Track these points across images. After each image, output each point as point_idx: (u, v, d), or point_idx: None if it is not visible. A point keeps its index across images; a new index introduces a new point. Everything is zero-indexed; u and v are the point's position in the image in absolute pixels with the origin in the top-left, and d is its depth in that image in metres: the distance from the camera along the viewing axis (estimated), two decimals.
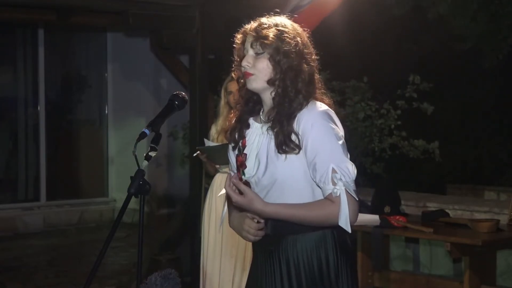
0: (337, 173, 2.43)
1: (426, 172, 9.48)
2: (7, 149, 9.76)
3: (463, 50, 8.32)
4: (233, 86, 4.97)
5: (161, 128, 2.64)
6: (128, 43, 9.53)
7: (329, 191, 2.45)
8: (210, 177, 5.21)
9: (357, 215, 2.48)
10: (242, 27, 2.66)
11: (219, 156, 4.86)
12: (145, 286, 2.28)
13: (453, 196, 7.75)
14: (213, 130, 5.08)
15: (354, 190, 2.46)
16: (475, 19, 8.08)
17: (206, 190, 5.30)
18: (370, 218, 5.06)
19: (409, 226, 4.99)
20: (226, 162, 4.87)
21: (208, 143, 4.98)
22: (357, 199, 2.48)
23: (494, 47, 8.02)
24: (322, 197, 2.51)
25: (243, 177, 2.62)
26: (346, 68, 7.71)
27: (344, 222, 2.44)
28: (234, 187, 2.51)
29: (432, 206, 6.02)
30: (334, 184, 2.43)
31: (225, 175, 4.93)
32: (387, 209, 5.35)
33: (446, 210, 5.49)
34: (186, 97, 2.76)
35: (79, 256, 7.69)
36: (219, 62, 7.18)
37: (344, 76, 7.72)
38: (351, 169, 2.47)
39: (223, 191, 2.85)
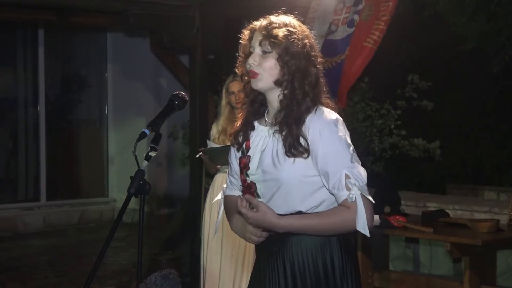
0: (350, 178, 2.42)
1: (426, 172, 9.46)
2: (7, 149, 9.76)
3: (463, 50, 8.30)
4: (235, 86, 4.97)
5: (161, 128, 2.64)
6: (128, 43, 9.54)
7: (344, 197, 2.42)
8: (211, 177, 5.22)
9: (373, 218, 2.47)
10: (244, 26, 2.64)
11: (221, 157, 4.86)
12: (145, 286, 2.28)
13: (453, 196, 7.74)
14: (214, 130, 5.08)
15: (368, 194, 2.45)
16: (473, 19, 8.07)
17: (206, 190, 5.30)
18: None
19: (409, 226, 4.98)
20: (228, 162, 4.90)
21: (211, 144, 4.98)
22: (373, 202, 2.46)
23: (496, 48, 8.00)
24: (327, 200, 2.50)
25: (247, 178, 2.60)
26: None
27: (362, 227, 2.42)
28: (247, 205, 2.51)
29: (432, 206, 6.02)
30: (349, 189, 2.41)
31: (226, 175, 4.96)
32: (387, 209, 5.35)
33: (446, 210, 5.48)
34: (186, 97, 2.75)
35: (79, 256, 7.69)
36: (219, 62, 7.19)
37: None
38: (363, 174, 2.46)
39: (218, 196, 2.85)
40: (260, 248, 2.65)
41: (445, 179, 9.30)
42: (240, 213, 2.55)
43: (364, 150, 7.71)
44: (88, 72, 10.17)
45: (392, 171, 8.36)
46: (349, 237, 2.60)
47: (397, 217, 5.09)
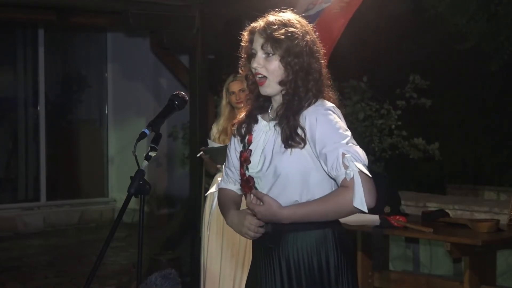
0: (347, 155, 2.43)
1: (426, 172, 9.47)
2: (7, 149, 9.76)
3: (463, 50, 8.31)
4: (235, 86, 4.97)
5: (161, 128, 2.65)
6: (128, 43, 9.53)
7: (343, 176, 2.43)
8: (210, 177, 5.21)
9: (375, 193, 2.44)
10: (244, 26, 2.65)
11: (222, 156, 4.85)
12: (145, 286, 2.28)
13: (453, 196, 7.75)
14: (214, 130, 5.07)
15: (366, 169, 2.44)
16: (474, 19, 8.07)
17: (206, 190, 5.30)
18: (370, 218, 5.06)
19: (409, 226, 4.98)
20: None
21: (212, 144, 4.98)
22: (371, 176, 2.44)
23: (496, 47, 8.01)
24: (323, 193, 2.51)
25: (246, 172, 2.62)
26: (345, 68, 7.70)
27: (360, 203, 2.40)
28: (257, 201, 2.52)
29: (432, 206, 6.02)
30: (346, 167, 2.42)
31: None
32: (387, 209, 5.35)
33: (446, 210, 5.48)
34: (186, 97, 2.76)
35: (79, 256, 7.69)
36: (219, 62, 7.19)
37: (343, 76, 7.70)
38: (361, 153, 2.47)
39: (213, 189, 2.86)
40: (256, 245, 2.66)
41: (445, 179, 9.30)
42: (251, 211, 2.55)
43: (364, 150, 7.70)
44: (88, 72, 10.17)
45: (392, 171, 8.35)
46: (346, 237, 2.60)
47: (397, 217, 5.09)
